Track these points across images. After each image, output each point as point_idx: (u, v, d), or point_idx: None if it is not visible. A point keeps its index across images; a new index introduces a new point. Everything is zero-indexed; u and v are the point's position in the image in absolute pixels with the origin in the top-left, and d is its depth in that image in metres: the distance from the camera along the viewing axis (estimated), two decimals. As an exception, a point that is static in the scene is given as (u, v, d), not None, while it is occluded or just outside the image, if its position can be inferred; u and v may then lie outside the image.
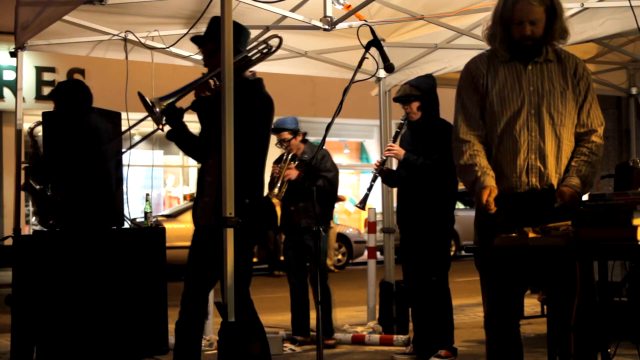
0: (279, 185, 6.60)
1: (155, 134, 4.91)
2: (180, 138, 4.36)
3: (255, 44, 4.33)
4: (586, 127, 3.60)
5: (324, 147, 6.85)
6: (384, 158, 6.02)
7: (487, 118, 3.61)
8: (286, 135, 6.70)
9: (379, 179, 6.22)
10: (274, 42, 4.30)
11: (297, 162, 6.71)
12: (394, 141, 5.95)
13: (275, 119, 6.76)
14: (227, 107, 3.83)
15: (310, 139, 7.06)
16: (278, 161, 6.74)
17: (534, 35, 3.49)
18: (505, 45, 3.56)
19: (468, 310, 8.64)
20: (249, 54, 4.28)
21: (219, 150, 3.86)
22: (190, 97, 4.30)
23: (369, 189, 6.20)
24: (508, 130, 3.55)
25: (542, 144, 3.52)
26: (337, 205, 7.26)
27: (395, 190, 7.39)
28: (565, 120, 3.55)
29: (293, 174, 6.61)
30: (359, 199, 6.41)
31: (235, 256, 3.85)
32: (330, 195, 6.70)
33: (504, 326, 3.62)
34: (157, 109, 4.01)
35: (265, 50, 4.27)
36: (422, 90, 5.82)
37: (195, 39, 4.51)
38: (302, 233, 6.66)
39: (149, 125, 4.46)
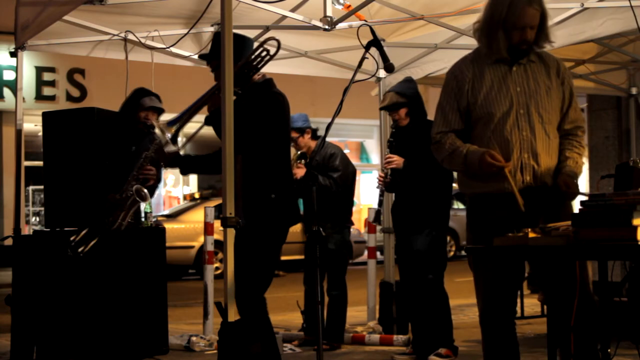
0: None
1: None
2: (197, 169, 4.58)
3: (254, 49, 4.36)
4: (574, 123, 3.73)
5: (336, 145, 6.85)
6: (386, 170, 5.96)
7: (475, 121, 3.68)
8: (293, 133, 6.43)
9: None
10: (272, 44, 4.33)
11: (307, 161, 6.58)
12: (390, 151, 5.93)
13: None
14: (227, 107, 3.84)
15: (310, 139, 6.98)
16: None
17: (531, 39, 3.60)
18: (507, 49, 3.61)
19: (468, 310, 8.63)
20: (249, 60, 4.31)
21: (243, 153, 4.13)
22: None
23: (380, 205, 6.19)
24: (498, 131, 3.62)
25: (533, 142, 3.60)
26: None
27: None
28: (552, 118, 3.67)
29: (299, 172, 6.40)
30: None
31: (256, 252, 4.15)
32: (340, 196, 6.56)
33: (499, 323, 3.66)
34: (168, 135, 4.15)
35: (264, 54, 4.30)
36: (408, 96, 5.83)
37: (204, 57, 4.67)
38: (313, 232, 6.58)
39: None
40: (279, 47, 4.28)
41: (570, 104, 3.72)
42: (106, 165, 5.67)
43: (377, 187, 6.09)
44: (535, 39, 3.61)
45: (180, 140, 4.36)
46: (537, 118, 3.61)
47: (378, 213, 6.26)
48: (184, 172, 4.60)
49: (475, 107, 3.66)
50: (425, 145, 5.77)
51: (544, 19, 3.59)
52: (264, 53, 4.30)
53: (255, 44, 4.42)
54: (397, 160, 5.82)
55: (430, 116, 5.94)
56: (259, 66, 4.34)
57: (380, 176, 6.00)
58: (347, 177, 6.61)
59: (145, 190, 5.49)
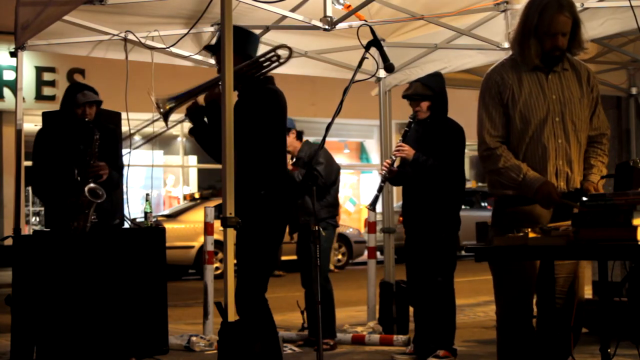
0: None
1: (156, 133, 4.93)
2: (201, 135, 4.42)
3: (265, 52, 4.38)
4: (598, 130, 3.80)
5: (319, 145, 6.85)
6: (394, 158, 5.95)
7: (514, 126, 3.72)
8: None
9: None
10: (283, 52, 4.33)
11: (293, 160, 6.64)
12: (403, 140, 5.90)
13: None
14: (227, 106, 3.84)
15: (310, 139, 7.02)
16: None
17: (563, 46, 3.64)
18: (540, 56, 3.66)
19: (468, 310, 8.64)
20: (258, 62, 4.32)
21: (238, 149, 4.03)
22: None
23: (379, 190, 6.16)
24: (536, 138, 3.68)
25: (568, 150, 3.68)
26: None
27: (395, 190, 7.38)
28: (584, 126, 3.73)
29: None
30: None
31: (248, 250, 4.15)
32: (324, 191, 6.61)
33: (520, 324, 3.69)
34: (162, 110, 4.12)
35: (274, 59, 4.31)
36: (434, 90, 5.80)
37: (208, 48, 4.65)
38: (302, 230, 6.61)
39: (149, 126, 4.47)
40: (290, 55, 4.30)
41: (594, 111, 3.78)
42: (62, 167, 5.58)
43: (380, 173, 6.06)
44: (568, 46, 3.66)
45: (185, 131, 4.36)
46: (571, 126, 3.68)
47: (375, 198, 6.21)
48: (192, 132, 4.44)
49: (514, 114, 3.71)
50: (441, 143, 5.80)
51: (577, 27, 3.64)
52: (274, 57, 4.30)
53: (268, 48, 4.42)
54: (408, 151, 5.79)
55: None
56: (266, 69, 4.34)
57: (386, 162, 5.98)
58: (331, 172, 6.68)
59: (101, 190, 5.42)
